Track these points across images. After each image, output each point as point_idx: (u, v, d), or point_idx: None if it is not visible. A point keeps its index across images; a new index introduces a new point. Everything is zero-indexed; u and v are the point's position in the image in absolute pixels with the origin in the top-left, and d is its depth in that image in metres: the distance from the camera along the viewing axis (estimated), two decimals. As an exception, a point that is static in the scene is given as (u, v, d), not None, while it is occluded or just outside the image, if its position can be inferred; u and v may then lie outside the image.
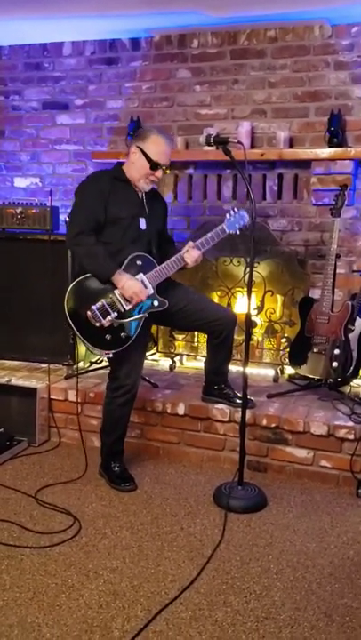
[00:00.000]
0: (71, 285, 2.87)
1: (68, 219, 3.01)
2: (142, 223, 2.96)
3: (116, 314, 2.84)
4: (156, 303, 2.94)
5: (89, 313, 2.82)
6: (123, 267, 2.86)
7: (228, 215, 3.04)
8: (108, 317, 2.82)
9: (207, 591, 2.20)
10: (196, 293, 3.29)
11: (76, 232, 2.83)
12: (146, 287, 2.88)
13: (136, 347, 2.91)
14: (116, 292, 2.85)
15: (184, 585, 2.22)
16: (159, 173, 2.91)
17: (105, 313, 2.82)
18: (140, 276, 2.89)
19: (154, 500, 2.87)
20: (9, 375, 3.72)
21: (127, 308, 2.86)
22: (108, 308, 2.83)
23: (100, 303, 2.82)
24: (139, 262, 2.91)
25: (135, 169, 2.90)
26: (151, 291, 2.91)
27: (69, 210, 2.95)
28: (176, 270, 2.97)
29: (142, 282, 2.89)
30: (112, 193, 2.88)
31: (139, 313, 2.90)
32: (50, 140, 4.40)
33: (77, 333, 2.88)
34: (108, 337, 2.84)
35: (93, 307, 2.82)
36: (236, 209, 3.05)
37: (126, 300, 2.86)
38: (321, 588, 2.23)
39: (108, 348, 2.85)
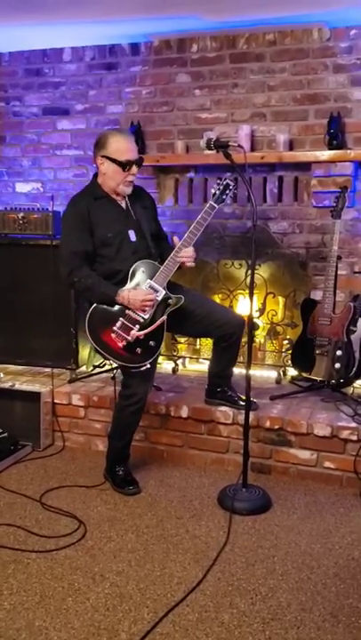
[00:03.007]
0: (87, 318, 2.89)
1: (60, 256, 2.98)
2: (132, 235, 2.97)
3: (138, 326, 2.85)
4: (171, 301, 2.94)
5: (113, 335, 2.84)
6: (128, 280, 2.89)
7: (213, 190, 3.01)
8: (132, 332, 2.84)
9: (213, 593, 2.21)
10: (203, 298, 3.30)
11: (68, 272, 2.88)
12: (156, 290, 2.89)
13: None
14: None
15: (190, 587, 2.23)
16: (134, 170, 2.91)
17: (127, 329, 2.85)
18: (148, 282, 2.90)
19: (158, 503, 2.88)
20: (12, 380, 3.73)
21: (146, 317, 2.88)
22: (128, 324, 2.85)
23: (119, 323, 2.85)
24: (142, 269, 2.92)
25: (109, 178, 2.91)
26: (163, 292, 2.91)
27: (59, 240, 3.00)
28: (175, 269, 2.96)
29: (151, 287, 2.90)
30: (93, 216, 2.90)
31: (161, 315, 2.92)
32: (51, 146, 4.42)
33: (111, 359, 2.91)
34: (138, 350, 2.86)
35: (115, 328, 2.85)
36: (219, 181, 3.01)
37: (142, 310, 2.88)
38: (326, 588, 2.24)
39: (144, 360, 2.87)
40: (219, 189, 2.99)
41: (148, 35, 3.99)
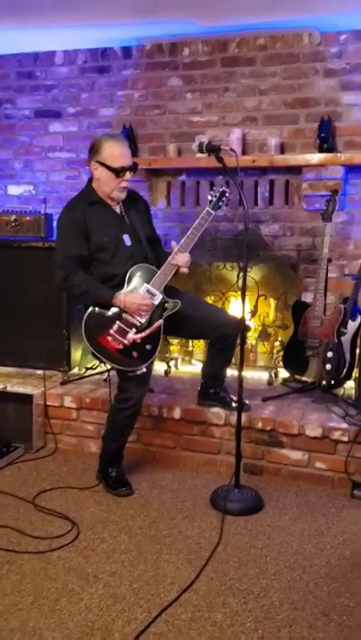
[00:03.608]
0: (84, 321, 2.89)
1: (56, 261, 2.96)
2: (127, 240, 2.97)
3: (134, 330, 2.86)
4: (168, 305, 2.95)
5: (109, 338, 2.85)
6: (125, 284, 2.89)
7: (209, 197, 3.04)
8: (128, 336, 2.85)
9: (206, 593, 2.22)
10: (199, 300, 3.31)
11: (63, 277, 2.88)
12: (153, 295, 2.90)
13: None
14: None
15: (183, 587, 2.25)
16: (127, 176, 2.91)
17: (124, 333, 2.85)
18: (145, 286, 2.91)
19: (151, 504, 2.90)
20: (4, 382, 3.73)
21: (142, 321, 2.89)
22: (125, 327, 2.86)
23: (116, 326, 2.86)
24: (138, 274, 2.93)
25: (103, 183, 2.91)
26: (160, 296, 2.92)
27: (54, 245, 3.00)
28: (172, 274, 2.98)
29: (148, 291, 2.90)
30: (89, 221, 2.90)
31: (156, 320, 2.93)
32: (43, 148, 4.43)
33: (107, 362, 2.92)
34: (134, 354, 2.87)
35: (111, 331, 2.85)
36: (215, 188, 3.06)
37: (139, 314, 2.90)
38: (318, 587, 2.26)
39: (140, 364, 2.88)
40: (215, 196, 3.02)
41: (140, 38, 4.01)
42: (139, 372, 2.90)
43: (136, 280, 2.92)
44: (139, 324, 2.88)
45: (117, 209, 3.01)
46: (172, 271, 2.96)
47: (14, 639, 1.97)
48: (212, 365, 3.31)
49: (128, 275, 2.91)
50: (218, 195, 3.02)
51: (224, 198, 3.03)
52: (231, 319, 3.21)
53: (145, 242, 3.04)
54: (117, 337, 2.85)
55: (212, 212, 3.00)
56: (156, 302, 2.92)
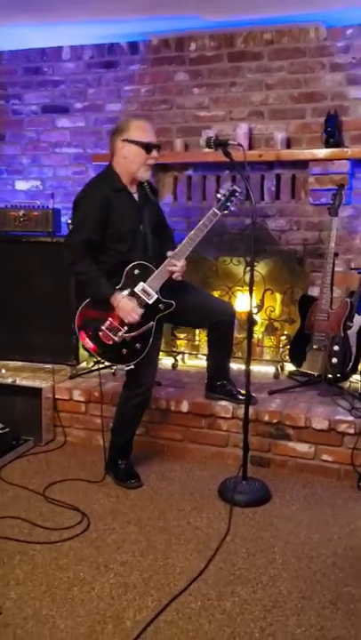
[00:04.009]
0: (78, 312, 2.93)
1: (66, 240, 3.00)
2: (143, 231, 2.98)
3: (126, 327, 2.88)
4: (161, 306, 2.95)
5: (100, 333, 2.88)
6: (122, 282, 2.89)
7: (218, 195, 3.01)
8: (120, 333, 2.88)
9: (215, 582, 2.26)
10: (195, 288, 3.31)
11: (70, 262, 2.89)
12: (148, 294, 2.91)
13: (151, 348, 2.95)
14: None
15: (192, 577, 2.28)
16: (155, 154, 2.91)
17: (115, 330, 2.88)
18: (141, 284, 2.91)
19: (160, 496, 2.93)
20: (13, 376, 3.77)
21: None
22: (117, 324, 2.88)
23: (108, 322, 2.88)
24: (136, 272, 2.92)
25: (130, 162, 2.88)
26: (155, 296, 2.92)
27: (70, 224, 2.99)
28: (168, 277, 2.96)
29: (144, 289, 2.90)
30: (112, 208, 2.87)
31: (150, 320, 2.94)
32: (50, 144, 4.46)
33: (95, 356, 2.94)
34: (124, 351, 2.89)
35: (102, 327, 2.88)
36: (225, 186, 3.03)
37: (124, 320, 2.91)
38: (325, 577, 2.30)
39: (128, 361, 2.91)
40: (224, 196, 2.98)
41: (147, 34, 4.03)
42: (126, 369, 2.93)
43: (133, 278, 2.91)
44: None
45: (137, 196, 3.00)
46: (168, 275, 2.95)
47: (28, 627, 2.01)
48: (215, 356, 3.34)
49: (126, 271, 2.90)
50: (227, 194, 2.98)
51: (233, 198, 2.99)
52: (226, 306, 3.26)
53: (159, 233, 3.05)
54: (108, 333, 2.87)
55: (218, 212, 2.97)
56: (150, 302, 2.92)
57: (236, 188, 3.00)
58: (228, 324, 3.20)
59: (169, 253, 2.95)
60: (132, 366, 2.91)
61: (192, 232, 2.95)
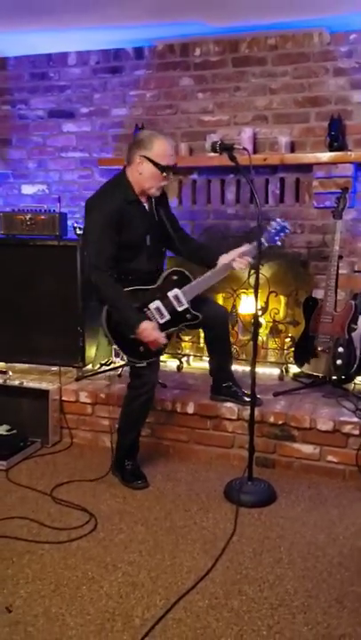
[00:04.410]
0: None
1: (89, 259, 2.96)
2: (148, 240, 3.02)
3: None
4: (188, 316, 3.06)
5: (124, 325, 2.92)
6: (158, 283, 3.00)
7: (269, 227, 3.13)
8: None
9: (222, 581, 2.29)
10: None
11: (97, 280, 2.89)
12: (180, 302, 3.00)
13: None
14: (151, 305, 2.98)
15: (200, 575, 2.31)
16: (170, 176, 2.98)
17: None
18: (175, 290, 2.99)
19: (166, 497, 2.96)
20: (20, 378, 3.80)
21: (161, 321, 2.98)
22: None
23: None
24: (174, 277, 3.04)
25: (145, 179, 2.92)
26: (185, 305, 3.02)
27: (84, 231, 2.98)
28: (207, 287, 3.10)
29: (176, 296, 3.00)
30: (124, 219, 2.90)
31: (173, 326, 3.03)
32: (56, 148, 4.49)
33: (115, 344, 2.98)
34: (141, 348, 2.93)
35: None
36: (278, 220, 3.16)
37: (160, 313, 2.98)
38: (331, 576, 2.32)
39: (142, 358, 2.96)
40: (275, 229, 3.10)
41: (152, 39, 4.06)
42: (138, 365, 2.98)
43: (170, 283, 3.03)
44: (159, 323, 2.95)
45: (147, 206, 3.04)
46: (211, 283, 3.08)
47: (38, 624, 2.04)
48: (214, 359, 3.39)
49: (164, 276, 3.02)
50: (278, 228, 3.11)
51: (282, 233, 3.12)
52: (218, 308, 3.33)
53: (164, 241, 3.12)
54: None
55: (266, 244, 3.08)
56: (179, 309, 3.02)
57: (287, 225, 3.14)
58: (221, 325, 3.25)
59: (221, 259, 3.08)
60: (145, 364, 2.96)
61: (247, 249, 3.08)
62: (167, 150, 2.91)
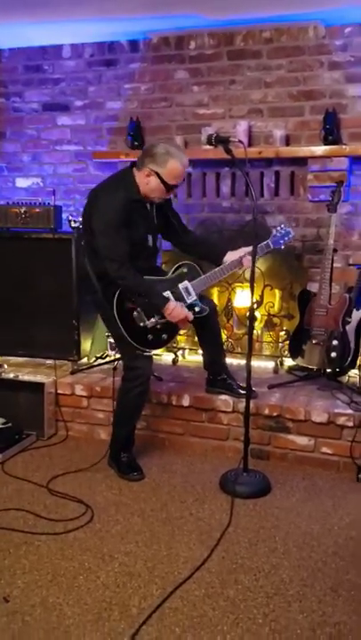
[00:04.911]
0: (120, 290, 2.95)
1: (105, 252, 2.91)
2: (149, 239, 3.07)
3: (159, 315, 2.95)
4: (197, 309, 3.11)
5: (135, 313, 2.95)
6: (169, 275, 3.07)
7: (274, 231, 3.23)
8: (152, 319, 2.95)
9: (218, 571, 2.31)
10: None
11: (120, 276, 2.88)
12: (190, 293, 3.06)
13: None
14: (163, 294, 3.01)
15: (196, 565, 2.33)
16: (173, 191, 3.04)
17: (149, 315, 2.95)
18: (185, 283, 3.06)
19: (162, 488, 2.98)
20: (16, 371, 3.80)
21: None
22: (152, 310, 2.96)
23: None
24: (184, 270, 3.12)
25: (149, 190, 2.94)
26: (194, 297, 3.08)
27: (99, 235, 2.91)
28: (216, 281, 3.19)
29: (186, 288, 3.06)
30: (130, 220, 2.92)
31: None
32: (50, 141, 4.48)
33: (122, 330, 2.97)
34: (149, 337, 2.98)
35: (139, 308, 2.95)
36: (283, 225, 3.26)
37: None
38: (326, 565, 2.35)
39: (149, 347, 2.99)
40: (280, 232, 3.21)
41: (147, 32, 4.06)
42: (144, 354, 3.00)
43: (180, 275, 3.10)
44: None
45: (148, 206, 3.06)
46: (219, 278, 3.16)
47: (36, 614, 2.05)
48: (207, 351, 3.43)
49: (175, 268, 3.11)
50: (283, 232, 3.22)
51: (287, 238, 3.23)
52: (205, 302, 3.31)
53: (161, 241, 3.22)
54: (142, 316, 2.95)
55: (272, 246, 3.20)
56: (188, 302, 3.07)
57: (290, 230, 3.26)
58: (209, 318, 3.28)
59: (228, 256, 3.16)
60: (151, 353, 3.01)
61: (243, 254, 3.15)
62: (179, 172, 2.91)
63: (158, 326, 2.98)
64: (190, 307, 3.09)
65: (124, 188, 2.94)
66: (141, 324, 2.94)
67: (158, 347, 3.02)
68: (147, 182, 2.93)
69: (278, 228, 3.26)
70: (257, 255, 3.05)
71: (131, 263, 2.93)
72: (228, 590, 2.19)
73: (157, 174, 2.89)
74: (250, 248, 3.10)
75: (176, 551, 2.44)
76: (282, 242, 3.25)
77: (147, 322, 2.95)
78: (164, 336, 3.03)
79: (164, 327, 3.01)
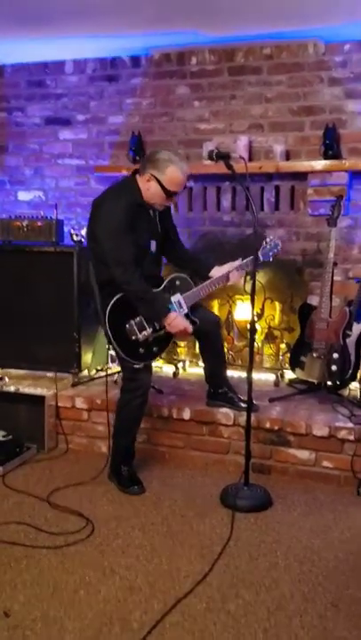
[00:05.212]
0: (115, 298, 2.94)
1: (111, 256, 2.91)
2: (152, 246, 3.09)
3: (151, 329, 2.96)
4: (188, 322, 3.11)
5: (127, 326, 2.94)
6: (162, 287, 3.05)
7: (264, 243, 3.25)
8: (144, 332, 2.95)
9: (219, 585, 2.30)
10: None
11: (125, 280, 2.88)
12: (182, 307, 3.07)
13: None
14: None
15: (197, 580, 2.32)
16: (175, 199, 3.06)
17: (141, 328, 2.95)
18: (178, 296, 3.06)
19: (163, 502, 2.97)
20: (17, 384, 3.81)
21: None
22: (145, 323, 2.96)
23: (138, 319, 2.95)
24: (177, 282, 3.12)
25: (150, 195, 2.97)
26: (185, 310, 3.08)
27: (105, 240, 2.91)
28: (206, 295, 3.18)
29: (178, 301, 3.06)
30: (134, 224, 2.94)
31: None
32: (52, 155, 4.52)
33: (113, 343, 2.97)
34: (141, 350, 2.98)
35: (132, 321, 2.94)
36: (271, 238, 3.29)
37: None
38: (327, 580, 2.34)
39: (140, 360, 2.99)
40: (269, 244, 3.24)
41: (149, 48, 4.11)
42: (135, 366, 3.01)
43: (173, 287, 3.10)
44: (157, 327, 2.98)
45: (151, 212, 3.09)
46: (209, 292, 3.15)
47: (37, 628, 2.05)
48: (208, 363, 3.42)
49: (168, 280, 3.09)
50: (272, 245, 3.26)
51: (276, 250, 3.27)
52: (209, 315, 3.37)
53: (165, 249, 3.19)
54: (134, 329, 2.94)
55: (262, 259, 3.21)
56: (181, 314, 3.06)
57: (279, 242, 3.30)
58: (213, 332, 3.30)
59: (214, 271, 3.19)
60: (141, 366, 3.00)
61: (233, 266, 3.18)
62: (178, 179, 2.94)
63: (150, 339, 2.98)
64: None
65: (128, 193, 2.97)
66: (133, 338, 2.94)
67: (149, 359, 3.02)
68: (147, 187, 2.96)
69: (268, 240, 3.28)
70: (248, 268, 3.15)
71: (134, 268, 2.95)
72: (228, 605, 2.18)
73: (157, 180, 2.92)
74: (236, 263, 3.19)
75: (177, 565, 2.43)
76: (271, 254, 3.28)
77: (139, 335, 2.94)
78: (155, 349, 3.03)
79: (156, 340, 3.01)
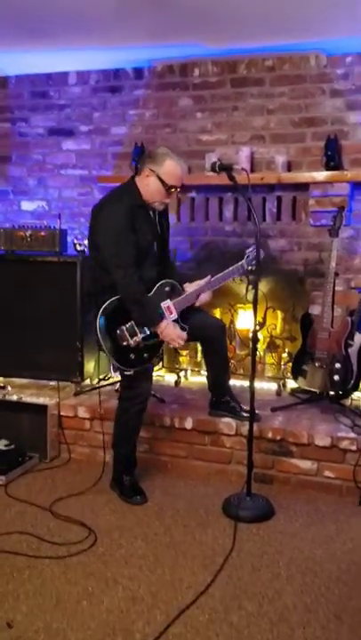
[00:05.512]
0: (106, 304, 2.94)
1: (111, 260, 2.93)
2: (155, 247, 3.11)
3: (142, 335, 2.97)
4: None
5: (118, 332, 2.94)
6: (152, 293, 3.03)
7: (247, 252, 3.24)
8: (135, 338, 2.94)
9: (222, 596, 2.30)
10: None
11: (125, 283, 2.89)
12: (171, 313, 3.07)
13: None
14: None
15: (199, 591, 2.32)
16: (173, 195, 3.06)
17: (132, 333, 2.95)
18: (168, 302, 3.06)
19: (165, 512, 2.97)
20: (19, 393, 3.81)
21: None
22: (136, 329, 2.96)
23: (129, 324, 2.95)
24: (167, 289, 3.11)
25: (150, 193, 2.98)
26: (175, 316, 3.08)
27: (105, 246, 2.93)
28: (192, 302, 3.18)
29: (169, 307, 3.06)
30: (136, 225, 2.96)
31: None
32: (55, 166, 4.55)
33: (105, 349, 2.98)
34: (132, 356, 2.97)
35: (123, 327, 2.94)
36: (252, 248, 3.24)
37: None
38: (330, 591, 2.34)
39: (130, 366, 2.99)
40: (252, 253, 3.21)
41: (152, 60, 4.14)
42: (126, 373, 3.02)
43: (163, 294, 3.09)
44: (149, 333, 2.98)
45: (152, 213, 3.10)
46: (194, 301, 3.16)
47: (39, 639, 2.05)
48: (211, 371, 3.42)
49: (158, 286, 3.07)
50: (253, 255, 3.20)
51: (255, 259, 3.19)
52: (214, 321, 3.39)
53: (160, 252, 3.17)
54: (125, 334, 2.94)
55: (247, 267, 3.22)
56: (171, 320, 3.06)
57: (261, 251, 3.19)
58: (217, 338, 3.30)
59: (201, 282, 3.18)
60: (132, 372, 2.99)
61: (220, 274, 3.20)
62: (176, 172, 2.96)
63: (141, 345, 2.98)
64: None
65: (128, 196, 3.00)
66: (124, 344, 2.94)
67: (140, 365, 3.01)
68: (147, 183, 2.98)
69: (251, 249, 3.23)
70: (234, 276, 3.20)
71: (139, 268, 2.96)
72: (231, 616, 2.18)
73: (155, 173, 2.94)
74: (203, 281, 3.19)
75: (180, 576, 2.44)
76: (254, 263, 3.19)
77: (130, 341, 2.94)
78: (146, 355, 3.02)
79: (147, 346, 3.01)
